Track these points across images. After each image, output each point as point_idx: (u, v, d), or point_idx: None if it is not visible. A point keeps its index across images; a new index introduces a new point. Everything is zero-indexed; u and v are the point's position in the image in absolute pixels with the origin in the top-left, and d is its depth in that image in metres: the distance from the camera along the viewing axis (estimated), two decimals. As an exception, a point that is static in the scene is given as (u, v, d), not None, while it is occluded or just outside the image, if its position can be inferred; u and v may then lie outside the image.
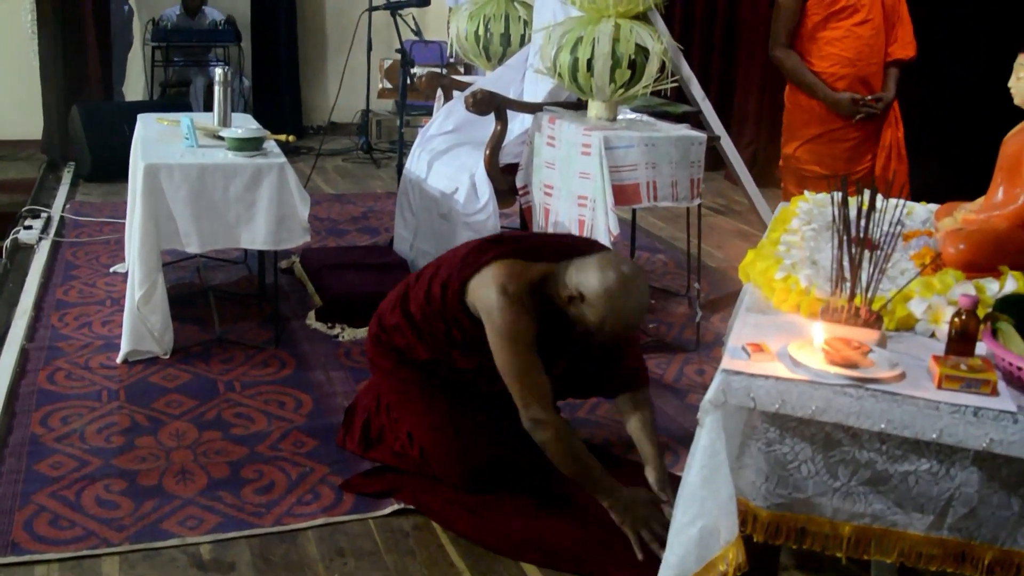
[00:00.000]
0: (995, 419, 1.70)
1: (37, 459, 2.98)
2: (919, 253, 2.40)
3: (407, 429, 2.97)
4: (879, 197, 2.09)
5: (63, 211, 5.79)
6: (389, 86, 8.41)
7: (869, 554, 1.87)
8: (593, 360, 2.90)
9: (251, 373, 3.69)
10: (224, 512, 2.76)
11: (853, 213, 2.05)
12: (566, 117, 4.06)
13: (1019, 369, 1.77)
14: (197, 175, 3.68)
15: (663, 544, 2.07)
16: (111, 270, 4.75)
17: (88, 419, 3.26)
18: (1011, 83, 2.47)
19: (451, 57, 7.40)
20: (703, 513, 1.83)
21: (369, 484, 2.92)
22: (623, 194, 3.85)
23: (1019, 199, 2.35)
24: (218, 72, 4.28)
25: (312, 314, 4.25)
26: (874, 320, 2.01)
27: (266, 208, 3.74)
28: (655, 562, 1.92)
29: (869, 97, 4.32)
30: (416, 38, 6.53)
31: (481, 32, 5.12)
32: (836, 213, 2.06)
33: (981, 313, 1.91)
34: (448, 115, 4.93)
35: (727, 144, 5.00)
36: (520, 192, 4.30)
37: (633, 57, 3.87)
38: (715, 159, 5.33)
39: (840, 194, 2.06)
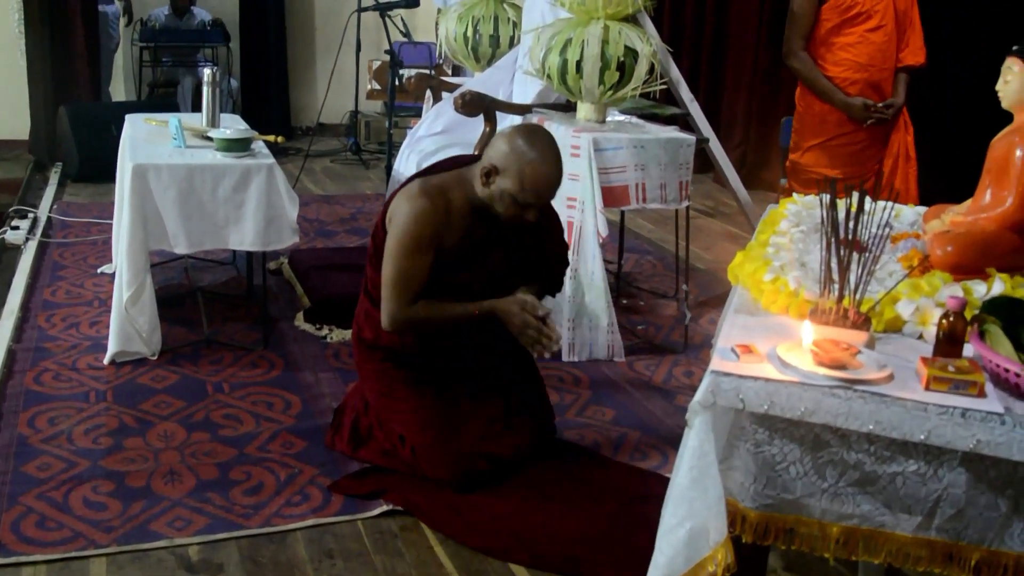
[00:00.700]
0: (983, 420, 1.71)
1: (24, 460, 2.97)
2: (907, 255, 2.41)
3: (399, 431, 2.97)
4: (867, 200, 2.10)
5: (50, 211, 5.77)
6: (378, 87, 8.40)
7: (857, 555, 1.87)
8: (529, 248, 2.99)
9: (239, 374, 3.68)
10: (212, 513, 2.75)
11: (842, 215, 2.06)
12: (555, 119, 4.07)
13: (1006, 371, 1.78)
14: (185, 176, 3.67)
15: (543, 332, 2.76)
16: (99, 271, 4.73)
17: (76, 420, 3.24)
18: (999, 86, 2.48)
19: (440, 58, 7.39)
20: (692, 514, 1.83)
21: (358, 485, 2.92)
22: (612, 196, 3.86)
23: (1006, 202, 2.36)
24: (206, 73, 4.26)
25: (300, 315, 4.24)
26: (862, 322, 2.01)
27: (254, 209, 3.73)
28: (644, 563, 1.92)
29: (881, 104, 4.34)
30: (405, 39, 6.53)
31: (470, 33, 5.13)
32: (825, 215, 2.07)
33: (968, 315, 1.92)
34: (437, 116, 4.92)
35: (716, 146, 5.02)
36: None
37: (622, 59, 3.88)
38: (704, 161, 5.34)
39: (828, 196, 2.06)
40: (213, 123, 4.21)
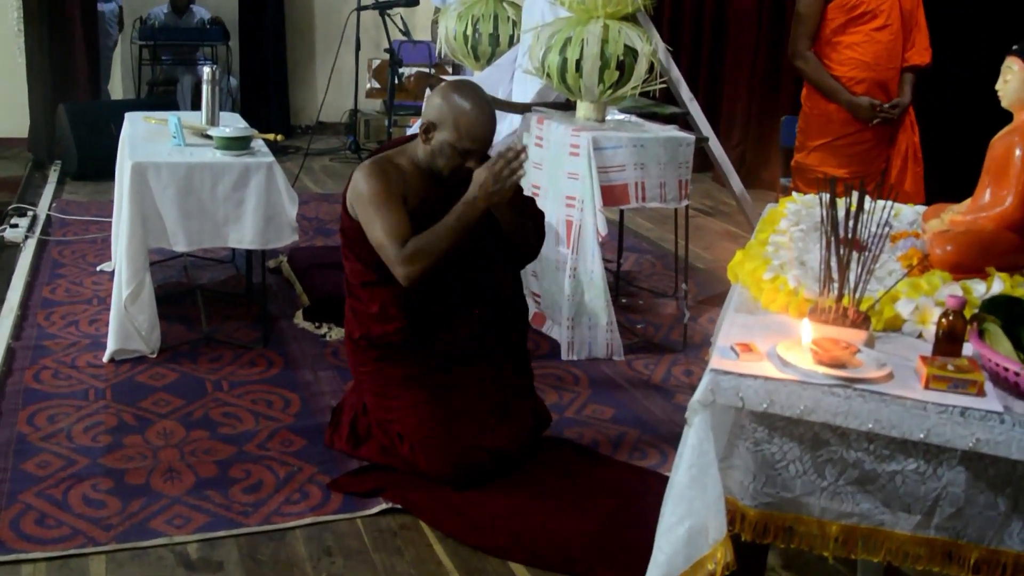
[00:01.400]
0: (982, 419, 1.71)
1: (23, 458, 2.97)
2: (907, 254, 2.41)
3: (397, 430, 2.97)
4: (867, 199, 2.10)
5: (49, 209, 5.77)
6: (377, 86, 8.39)
7: (856, 553, 1.87)
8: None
9: (239, 372, 3.68)
10: (212, 511, 2.75)
11: (841, 214, 2.06)
12: (554, 118, 4.07)
13: (1005, 370, 1.78)
14: (185, 174, 3.67)
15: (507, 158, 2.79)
16: (98, 269, 4.73)
17: (75, 418, 3.24)
18: (998, 85, 2.48)
19: (439, 57, 7.39)
20: (691, 512, 1.83)
21: (357, 483, 2.92)
22: (611, 195, 3.86)
23: (1006, 201, 2.36)
24: (206, 71, 4.26)
25: (300, 313, 4.24)
26: (862, 321, 2.01)
27: (254, 207, 3.73)
28: (643, 562, 1.92)
29: (887, 104, 4.34)
30: (404, 38, 6.53)
31: (469, 32, 5.12)
32: (824, 214, 2.07)
33: (968, 314, 1.92)
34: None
35: (715, 145, 5.01)
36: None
37: (622, 58, 3.88)
38: (703, 160, 5.33)
39: (828, 195, 2.06)
40: (212, 121, 4.21)
